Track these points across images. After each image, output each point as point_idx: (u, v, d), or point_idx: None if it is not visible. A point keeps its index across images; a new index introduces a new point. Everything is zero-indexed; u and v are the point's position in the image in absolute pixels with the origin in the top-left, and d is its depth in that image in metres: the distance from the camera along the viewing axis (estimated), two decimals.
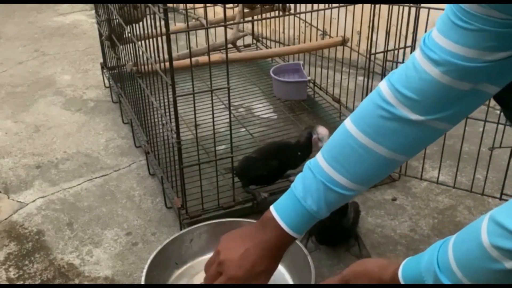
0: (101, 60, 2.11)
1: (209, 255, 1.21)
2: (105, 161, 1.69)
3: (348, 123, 0.84)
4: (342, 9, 1.70)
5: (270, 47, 2.21)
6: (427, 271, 0.71)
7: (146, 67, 1.36)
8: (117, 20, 1.61)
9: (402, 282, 0.76)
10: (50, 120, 1.96)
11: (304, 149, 1.36)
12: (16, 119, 1.98)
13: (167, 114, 1.27)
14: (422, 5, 1.34)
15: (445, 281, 0.68)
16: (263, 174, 1.37)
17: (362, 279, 0.83)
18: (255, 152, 1.43)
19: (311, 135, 1.36)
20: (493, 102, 1.94)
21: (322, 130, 1.35)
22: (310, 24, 1.91)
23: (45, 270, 1.27)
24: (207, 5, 1.30)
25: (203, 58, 1.48)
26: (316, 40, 2.10)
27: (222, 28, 1.17)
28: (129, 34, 1.45)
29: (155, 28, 1.16)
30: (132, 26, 1.42)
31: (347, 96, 1.82)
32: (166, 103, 1.25)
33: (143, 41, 1.33)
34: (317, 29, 1.91)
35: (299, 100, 1.90)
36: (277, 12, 1.97)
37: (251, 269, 0.88)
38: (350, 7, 2.01)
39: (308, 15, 1.91)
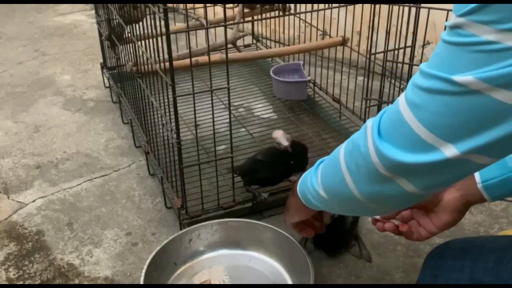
0: (101, 60, 2.11)
1: (208, 255, 1.22)
2: (105, 161, 1.69)
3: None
4: (342, 9, 1.70)
5: (270, 47, 2.21)
6: (307, 175, 0.85)
7: (146, 67, 1.36)
8: (117, 20, 1.61)
9: (298, 185, 0.91)
10: (50, 120, 1.96)
11: (289, 156, 1.35)
12: (16, 119, 1.98)
13: (167, 114, 1.27)
14: (422, 5, 1.34)
15: (313, 182, 0.82)
16: (270, 177, 1.36)
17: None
18: (261, 155, 1.40)
19: (285, 148, 1.34)
20: None
21: (276, 134, 1.35)
22: (310, 24, 1.91)
23: (45, 270, 1.27)
24: (207, 5, 1.30)
25: (203, 58, 1.48)
26: (316, 40, 2.09)
27: (222, 28, 1.17)
28: (129, 34, 1.45)
29: (155, 28, 1.16)
30: (132, 26, 1.42)
31: (347, 96, 1.82)
32: (166, 103, 1.25)
33: (143, 41, 1.33)
34: (317, 29, 1.90)
35: (299, 100, 1.90)
36: (277, 12, 1.97)
37: None
38: (350, 7, 2.01)
39: (308, 15, 1.91)
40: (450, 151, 0.57)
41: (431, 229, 0.89)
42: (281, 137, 1.33)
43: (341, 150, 0.73)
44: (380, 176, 0.64)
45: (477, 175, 0.86)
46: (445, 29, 0.58)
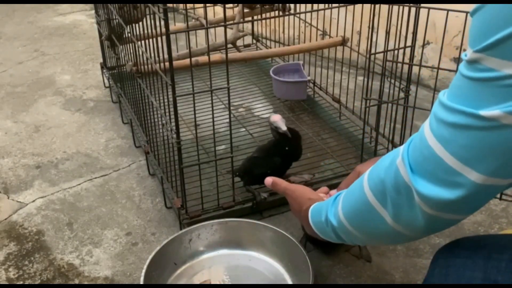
0: (101, 60, 2.11)
1: (207, 255, 1.22)
2: (105, 161, 1.69)
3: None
4: (342, 9, 1.70)
5: (270, 47, 2.21)
6: (325, 207, 0.84)
7: (146, 67, 1.36)
8: (117, 20, 1.61)
9: (310, 214, 0.90)
10: (50, 120, 1.96)
11: (286, 141, 1.37)
12: (16, 119, 1.98)
13: (167, 114, 1.27)
14: (422, 5, 1.34)
15: (330, 215, 0.82)
16: (268, 172, 1.37)
17: (296, 192, 1.01)
18: (255, 152, 1.43)
19: (275, 127, 1.38)
20: None
21: (274, 118, 1.39)
22: (310, 24, 1.91)
23: (45, 270, 1.27)
24: (207, 5, 1.30)
25: (203, 58, 1.48)
26: (316, 40, 2.10)
27: (222, 28, 1.17)
28: (129, 34, 1.45)
29: (155, 28, 1.16)
30: (132, 26, 1.42)
31: (347, 96, 1.82)
32: (166, 103, 1.25)
33: (143, 41, 1.33)
34: (317, 29, 1.90)
35: (299, 100, 1.90)
36: (277, 12, 1.97)
37: None
38: (350, 7, 2.01)
39: (308, 15, 1.91)
40: (480, 178, 0.58)
41: None
42: (279, 121, 1.36)
43: (366, 190, 0.72)
44: (426, 215, 0.64)
45: None
46: (459, 60, 0.58)
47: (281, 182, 1.07)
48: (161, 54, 1.20)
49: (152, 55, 1.25)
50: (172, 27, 1.46)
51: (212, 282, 1.16)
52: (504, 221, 1.37)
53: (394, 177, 0.66)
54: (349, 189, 0.79)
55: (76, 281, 1.23)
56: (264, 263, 1.20)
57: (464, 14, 1.31)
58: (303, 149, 1.45)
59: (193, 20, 1.97)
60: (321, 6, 1.52)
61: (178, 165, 1.26)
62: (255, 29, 2.38)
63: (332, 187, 1.13)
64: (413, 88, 1.49)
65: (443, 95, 0.62)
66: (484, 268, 0.72)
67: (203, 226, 1.22)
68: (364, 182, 0.73)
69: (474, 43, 0.54)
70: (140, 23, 1.36)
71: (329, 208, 0.83)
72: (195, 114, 1.24)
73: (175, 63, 1.20)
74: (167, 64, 1.15)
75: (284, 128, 1.35)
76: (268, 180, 1.09)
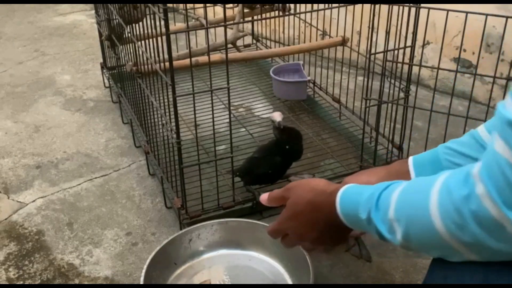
0: (101, 60, 2.11)
1: (207, 255, 1.22)
2: (105, 161, 1.69)
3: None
4: (342, 9, 1.70)
5: (270, 47, 2.21)
6: (365, 205, 0.73)
7: (146, 67, 1.36)
8: (117, 20, 1.61)
9: (338, 206, 0.77)
10: (50, 120, 1.96)
11: (286, 140, 1.37)
12: (16, 119, 1.98)
13: (167, 114, 1.27)
14: (422, 5, 1.34)
15: (377, 221, 0.70)
16: (268, 172, 1.37)
17: (303, 187, 0.84)
18: (256, 152, 1.43)
19: (277, 125, 1.37)
20: (493, 102, 1.94)
21: (274, 114, 1.38)
22: (310, 24, 1.91)
23: (45, 270, 1.27)
24: (207, 5, 1.30)
25: (203, 58, 1.48)
26: (316, 40, 2.09)
27: (222, 28, 1.17)
28: (129, 34, 1.45)
29: (155, 28, 1.16)
30: (132, 26, 1.42)
31: (347, 96, 1.82)
32: (166, 103, 1.25)
33: (143, 41, 1.33)
34: (317, 29, 1.90)
35: (299, 100, 1.90)
36: (277, 12, 1.97)
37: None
38: (350, 7, 2.01)
39: (308, 15, 1.91)
40: None
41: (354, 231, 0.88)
42: (275, 114, 1.36)
43: (438, 225, 0.63)
44: None
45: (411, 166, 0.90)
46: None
47: (276, 192, 0.92)
48: (161, 54, 1.20)
49: (152, 55, 1.25)
50: (172, 27, 1.46)
51: (212, 282, 1.16)
52: None
53: (477, 211, 0.59)
54: (406, 207, 0.68)
55: (76, 281, 1.23)
56: (264, 263, 1.20)
57: (464, 14, 1.31)
58: (303, 149, 1.45)
59: (193, 20, 1.97)
60: (321, 6, 1.52)
61: (178, 165, 1.26)
62: (255, 29, 2.38)
63: None
64: (413, 88, 1.49)
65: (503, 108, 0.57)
66: (485, 269, 0.69)
67: (203, 226, 1.22)
68: (431, 211, 0.64)
69: None
70: (140, 23, 1.36)
71: (373, 211, 0.72)
72: (195, 114, 1.24)
73: (175, 63, 1.20)
74: (167, 64, 1.15)
75: (278, 119, 1.34)
76: (264, 196, 0.95)
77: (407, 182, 0.71)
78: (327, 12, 1.62)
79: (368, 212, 0.72)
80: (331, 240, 0.85)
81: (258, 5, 1.95)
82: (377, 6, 1.45)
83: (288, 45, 2.03)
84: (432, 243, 0.66)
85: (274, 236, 0.92)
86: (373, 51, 1.38)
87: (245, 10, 1.93)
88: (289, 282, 1.15)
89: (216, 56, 1.55)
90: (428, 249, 0.69)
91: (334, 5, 1.45)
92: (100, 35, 1.96)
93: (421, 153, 0.96)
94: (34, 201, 1.51)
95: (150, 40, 1.25)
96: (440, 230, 0.63)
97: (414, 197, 0.67)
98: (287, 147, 1.37)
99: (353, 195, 0.76)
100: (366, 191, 0.74)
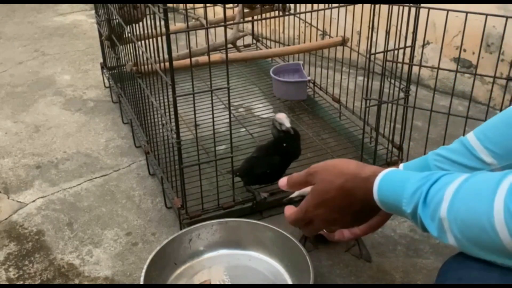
0: (101, 60, 2.11)
1: (207, 255, 1.23)
2: (105, 161, 1.69)
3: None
4: (342, 9, 1.70)
5: (270, 47, 2.21)
6: (410, 198, 0.69)
7: (146, 67, 1.36)
8: (117, 20, 1.61)
9: (376, 194, 0.73)
10: (50, 120, 1.96)
11: (285, 139, 1.37)
12: (16, 119, 1.98)
13: (167, 114, 1.27)
14: (422, 5, 1.34)
15: (424, 218, 0.66)
16: (268, 171, 1.37)
17: (330, 171, 0.79)
18: (255, 152, 1.43)
19: (278, 125, 1.37)
20: (493, 102, 1.94)
21: (280, 115, 1.36)
22: (310, 24, 1.91)
23: (45, 270, 1.27)
24: (207, 5, 1.30)
25: (203, 58, 1.48)
26: (316, 40, 2.10)
27: (222, 28, 1.17)
28: (129, 34, 1.45)
29: (155, 28, 1.16)
30: (132, 26, 1.42)
31: (347, 96, 1.83)
32: (166, 103, 1.25)
33: (143, 41, 1.33)
34: (317, 29, 1.90)
35: (299, 100, 1.90)
36: (277, 12, 1.97)
37: None
38: (350, 7, 2.01)
39: (308, 15, 1.91)
40: None
41: (354, 232, 0.89)
42: (284, 119, 1.35)
43: (503, 232, 0.59)
44: None
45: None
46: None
47: (297, 175, 0.87)
48: (161, 54, 1.20)
49: (152, 55, 1.25)
50: (172, 27, 1.46)
51: (212, 282, 1.16)
52: None
53: None
54: (462, 209, 0.63)
55: (76, 281, 1.23)
56: (264, 263, 1.20)
57: (464, 14, 1.31)
58: (303, 149, 1.45)
59: (193, 20, 1.97)
60: (321, 6, 1.52)
61: (178, 165, 1.26)
62: (255, 29, 2.38)
63: None
64: (413, 88, 1.49)
65: None
66: (501, 270, 0.66)
67: (203, 226, 1.22)
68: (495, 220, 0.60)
69: None
70: (140, 23, 1.36)
71: (420, 207, 0.68)
72: (195, 114, 1.24)
73: (175, 63, 1.20)
74: (167, 64, 1.15)
75: (287, 125, 1.34)
76: (283, 180, 0.91)
77: (461, 178, 0.66)
78: (327, 12, 1.62)
79: (414, 207, 0.68)
80: (366, 219, 0.84)
81: (258, 5, 1.95)
82: (377, 6, 1.45)
83: (288, 45, 2.03)
84: (491, 250, 0.63)
85: (297, 225, 0.88)
86: (373, 51, 1.38)
87: (245, 10, 1.93)
88: (289, 282, 1.15)
89: (216, 56, 1.55)
90: (484, 255, 0.65)
91: (334, 5, 1.45)
92: (100, 35, 1.96)
93: (416, 157, 0.96)
94: (34, 201, 1.51)
95: (150, 40, 1.25)
96: (505, 240, 0.59)
97: (473, 202, 0.63)
98: (284, 145, 1.37)
99: (395, 183, 0.72)
100: (409, 181, 0.70)
